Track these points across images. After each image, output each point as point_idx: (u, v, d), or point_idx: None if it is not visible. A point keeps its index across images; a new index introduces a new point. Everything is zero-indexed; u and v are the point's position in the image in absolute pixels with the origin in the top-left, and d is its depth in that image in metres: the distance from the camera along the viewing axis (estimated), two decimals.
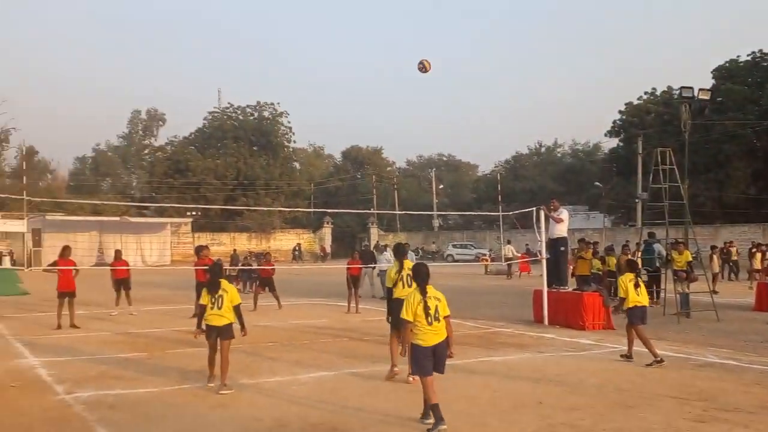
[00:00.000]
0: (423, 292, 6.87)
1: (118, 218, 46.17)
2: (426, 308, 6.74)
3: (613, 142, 57.98)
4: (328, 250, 59.04)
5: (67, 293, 14.75)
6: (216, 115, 68.43)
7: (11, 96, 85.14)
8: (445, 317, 6.85)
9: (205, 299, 8.65)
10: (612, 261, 18.99)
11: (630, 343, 10.52)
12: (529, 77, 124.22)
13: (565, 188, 62.37)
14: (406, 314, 6.80)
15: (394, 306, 8.85)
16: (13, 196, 31.60)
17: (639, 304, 10.27)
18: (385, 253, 20.94)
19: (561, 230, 15.05)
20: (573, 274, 18.18)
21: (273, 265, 20.03)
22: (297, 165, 75.83)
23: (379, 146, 77.65)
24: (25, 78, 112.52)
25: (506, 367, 10.28)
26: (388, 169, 77.19)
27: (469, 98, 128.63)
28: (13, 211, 47.89)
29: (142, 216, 53.16)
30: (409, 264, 9.15)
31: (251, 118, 67.20)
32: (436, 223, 66.38)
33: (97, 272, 26.92)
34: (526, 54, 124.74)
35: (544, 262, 15.15)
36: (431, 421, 6.58)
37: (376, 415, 7.25)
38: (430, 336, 6.73)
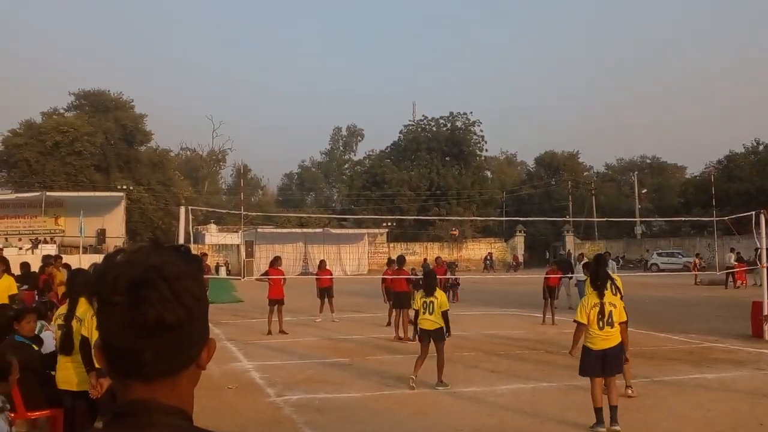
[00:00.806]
0: (600, 296, 6.93)
1: (320, 230, 48.80)
2: (601, 312, 6.84)
3: None
4: (521, 259, 58.05)
5: (276, 300, 15.74)
6: (410, 127, 70.23)
7: (226, 118, 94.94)
8: (620, 323, 6.92)
9: (417, 304, 9.37)
10: None
11: None
12: (741, 72, 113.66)
13: None
14: (580, 316, 6.98)
15: None
16: (231, 212, 34.60)
17: None
18: (582, 262, 20.13)
19: None
20: None
21: (445, 270, 20.10)
22: (489, 173, 75.56)
23: (576, 150, 75.17)
24: (237, 100, 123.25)
25: (721, 384, 9.44)
26: (585, 174, 74.30)
27: (673, 96, 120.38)
28: (228, 225, 52.60)
29: (342, 227, 55.68)
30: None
31: (444, 129, 68.12)
32: (638, 230, 62.67)
33: (303, 281, 28.60)
34: (736, 46, 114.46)
35: (765, 271, 13.72)
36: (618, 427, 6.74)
37: (578, 430, 6.96)
38: (600, 340, 6.84)
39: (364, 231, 52.15)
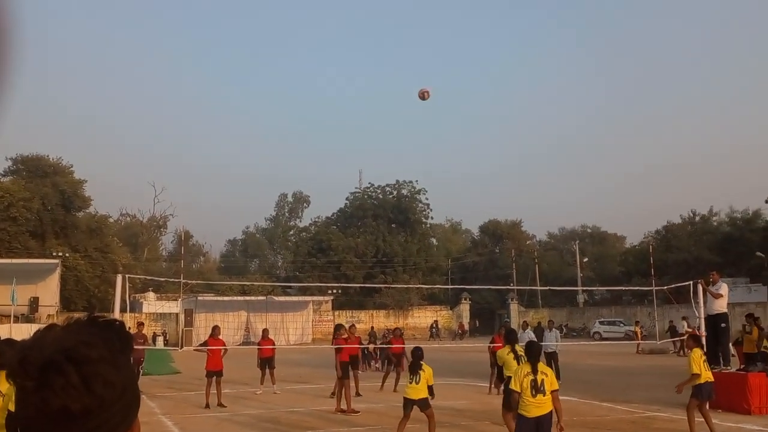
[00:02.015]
0: (534, 369, 7.45)
1: (264, 297, 48.00)
2: (533, 381, 7.35)
3: None
4: (467, 327, 58.06)
5: (215, 372, 15.21)
6: (357, 194, 70.66)
7: (169, 184, 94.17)
8: (552, 391, 7.41)
9: (407, 377, 10.32)
10: None
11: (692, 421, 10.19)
12: (677, 143, 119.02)
13: (722, 259, 58.04)
14: (514, 385, 7.54)
15: (507, 385, 9.80)
16: (170, 279, 33.77)
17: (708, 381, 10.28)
18: (528, 330, 20.17)
19: (721, 305, 13.88)
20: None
21: (403, 341, 19.79)
22: (434, 241, 76.16)
23: (519, 219, 76.61)
24: (180, 167, 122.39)
25: None
26: (528, 242, 75.63)
27: (612, 167, 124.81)
28: (168, 293, 51.24)
29: (286, 295, 54.95)
30: (520, 349, 10.30)
31: (390, 196, 68.77)
32: (581, 298, 63.69)
33: (244, 351, 27.82)
34: (671, 116, 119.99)
35: (704, 340, 13.93)
36: None
37: None
38: (533, 408, 7.28)
39: (309, 298, 51.57)
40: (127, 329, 1.19)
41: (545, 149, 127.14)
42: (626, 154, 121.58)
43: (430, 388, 9.91)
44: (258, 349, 18.40)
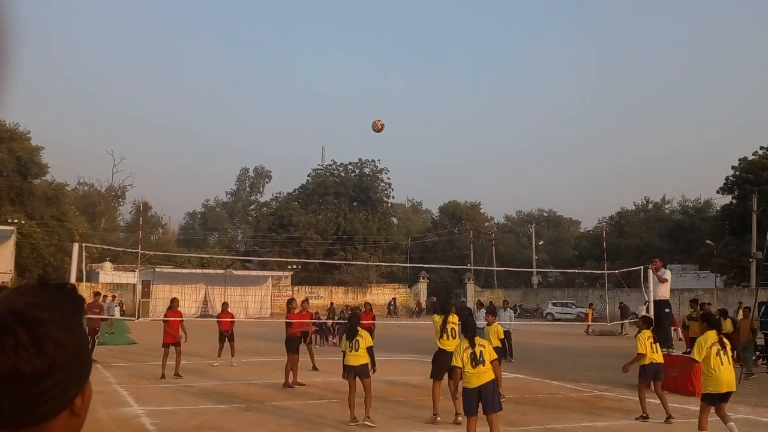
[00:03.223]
0: (471, 343, 7.87)
1: (222, 271, 47.78)
2: (472, 354, 7.75)
3: (726, 199, 55.29)
4: (423, 305, 58.78)
5: (171, 344, 15.27)
6: (319, 171, 70.42)
7: (128, 154, 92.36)
8: (492, 361, 7.82)
9: (344, 345, 10.11)
10: (727, 324, 17.79)
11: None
12: (633, 132, 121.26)
13: (673, 246, 59.68)
14: (456, 361, 7.88)
15: (438, 356, 10.30)
16: (128, 250, 33.39)
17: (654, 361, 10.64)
18: (482, 310, 20.59)
19: (664, 291, 14.40)
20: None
21: (374, 316, 20.01)
22: (395, 220, 76.49)
23: (478, 201, 77.36)
24: (140, 137, 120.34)
25: None
26: (486, 224, 76.48)
27: (571, 153, 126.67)
28: (125, 263, 50.64)
29: (245, 269, 54.77)
30: (454, 318, 10.62)
31: (352, 174, 68.72)
32: (535, 280, 64.88)
33: (202, 323, 27.79)
34: (631, 107, 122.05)
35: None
36: None
37: None
38: (473, 378, 7.67)
39: (269, 273, 51.49)
40: (78, 292, 1.19)
41: (509, 135, 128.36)
42: (594, 146, 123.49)
43: (371, 353, 9.89)
44: (217, 321, 18.44)
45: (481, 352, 7.77)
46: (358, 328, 10.08)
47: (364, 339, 9.90)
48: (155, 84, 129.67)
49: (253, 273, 51.49)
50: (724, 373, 8.17)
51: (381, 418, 10.22)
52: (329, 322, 26.09)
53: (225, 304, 18.98)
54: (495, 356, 7.98)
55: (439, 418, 9.91)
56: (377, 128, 14.28)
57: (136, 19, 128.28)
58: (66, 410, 1.09)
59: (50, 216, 51.22)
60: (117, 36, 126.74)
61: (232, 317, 18.70)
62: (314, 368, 16.35)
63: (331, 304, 36.84)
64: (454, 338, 10.20)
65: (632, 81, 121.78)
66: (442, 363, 10.00)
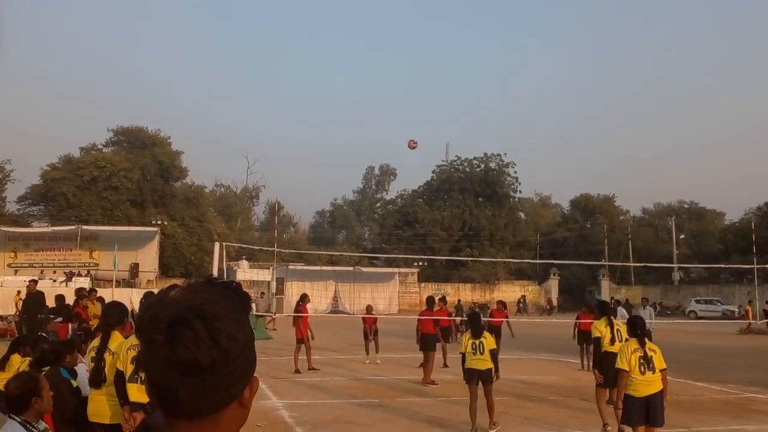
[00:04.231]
0: (641, 343, 6.94)
1: (351, 268, 48.73)
2: (642, 357, 6.83)
3: None
4: (555, 302, 57.21)
5: (301, 339, 15.63)
6: (443, 168, 70.28)
7: (261, 157, 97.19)
8: (661, 370, 6.90)
9: (464, 346, 9.24)
10: None
11: None
12: None
13: None
14: (621, 363, 6.91)
15: (604, 360, 9.05)
16: (263, 248, 34.75)
17: None
18: (620, 308, 19.67)
19: None
20: None
21: (506, 315, 19.64)
22: (522, 215, 75.03)
23: (612, 194, 74.33)
24: (273, 138, 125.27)
25: None
26: (621, 218, 73.32)
27: (712, 143, 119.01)
28: (260, 261, 52.84)
29: (372, 266, 55.55)
30: (619, 323, 9.65)
31: (477, 169, 68.07)
32: (676, 276, 61.43)
33: (332, 319, 28.44)
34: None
35: None
36: None
37: None
38: (643, 387, 6.78)
39: (395, 270, 51.95)
40: (243, 290, 1.26)
41: (640, 120, 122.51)
42: (725, 131, 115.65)
43: (494, 357, 9.15)
44: (363, 319, 18.77)
45: (652, 357, 6.90)
46: (484, 330, 9.38)
47: (488, 341, 9.16)
48: (285, 81, 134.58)
49: (381, 270, 52.12)
50: None
51: (513, 420, 9.94)
52: (458, 319, 25.90)
53: (369, 307, 19.50)
54: (664, 365, 7.03)
55: (610, 428, 8.83)
56: (411, 147, 14.66)
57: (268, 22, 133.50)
58: (236, 401, 1.17)
59: (190, 217, 54.35)
60: (251, 42, 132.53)
61: (375, 318, 19.02)
62: (445, 365, 16.26)
63: (459, 301, 36.65)
64: (620, 341, 9.04)
65: None
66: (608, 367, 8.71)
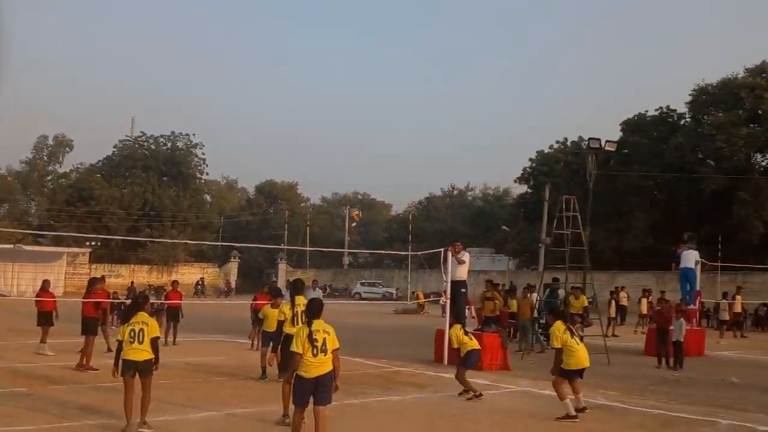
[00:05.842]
0: (310, 325, 6.98)
1: (11, 246, 43.80)
2: (313, 340, 6.84)
3: (523, 188, 59.48)
4: (233, 285, 57.85)
5: None
6: (127, 143, 66.42)
7: None
8: (333, 350, 6.96)
9: (122, 334, 8.06)
10: (513, 303, 19.19)
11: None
12: (443, 122, 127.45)
13: (474, 231, 63.60)
14: (296, 346, 6.89)
15: (286, 343, 8.76)
16: None
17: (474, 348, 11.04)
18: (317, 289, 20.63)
19: (461, 273, 15.26)
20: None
21: (181, 295, 19.27)
22: (208, 197, 74.27)
23: (295, 181, 77.22)
24: None
25: (402, 406, 10.27)
26: (302, 205, 76.73)
27: (386, 138, 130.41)
28: None
29: (38, 244, 50.68)
30: (302, 300, 9.46)
31: (164, 147, 65.56)
32: (346, 260, 66.29)
33: None
34: (442, 99, 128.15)
35: (448, 303, 15.27)
36: None
37: None
38: (312, 368, 6.84)
39: (64, 249, 48.12)
40: None
41: (326, 116, 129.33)
42: (401, 130, 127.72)
43: (155, 346, 8.13)
44: (35, 301, 16.51)
45: (324, 339, 6.92)
46: (142, 312, 8.24)
47: (150, 328, 8.10)
48: None
49: (47, 249, 47.89)
50: (581, 350, 9.59)
51: (173, 404, 9.85)
52: (128, 302, 24.79)
53: (46, 282, 16.99)
54: (338, 345, 7.05)
55: (288, 420, 8.17)
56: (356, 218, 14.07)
57: None
58: None
59: None
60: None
61: (54, 297, 16.70)
62: (108, 350, 15.47)
63: (132, 283, 35.24)
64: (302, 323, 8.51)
65: (446, 74, 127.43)
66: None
